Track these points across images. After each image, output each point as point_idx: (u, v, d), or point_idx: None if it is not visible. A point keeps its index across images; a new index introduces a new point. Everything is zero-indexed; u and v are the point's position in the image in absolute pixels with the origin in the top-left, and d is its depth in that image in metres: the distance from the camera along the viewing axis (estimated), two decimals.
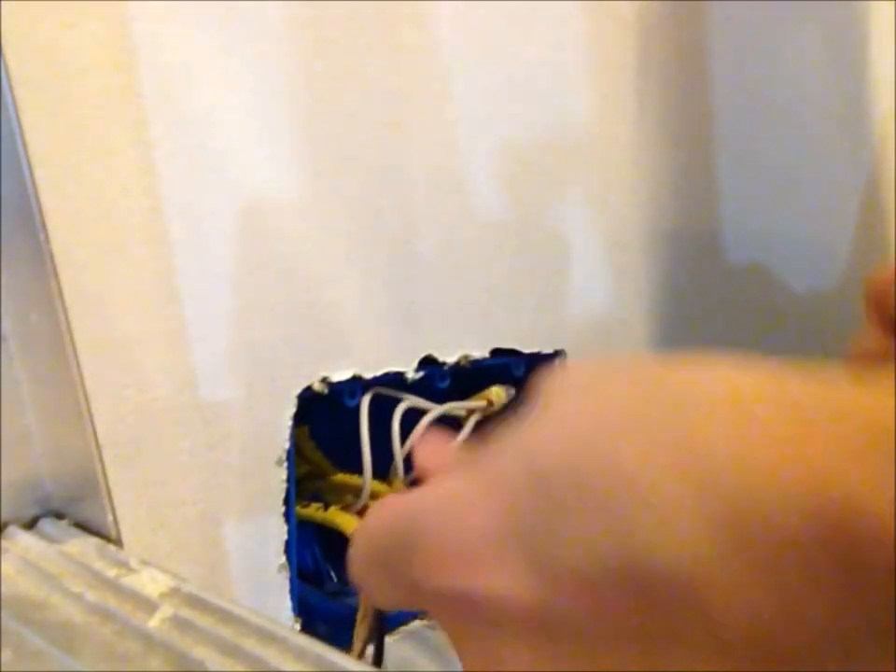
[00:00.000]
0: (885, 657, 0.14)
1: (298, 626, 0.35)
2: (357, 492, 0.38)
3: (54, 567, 0.25)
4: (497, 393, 0.39)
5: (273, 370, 0.33)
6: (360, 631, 0.34)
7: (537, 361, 0.40)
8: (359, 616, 0.35)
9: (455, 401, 0.39)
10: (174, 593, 0.24)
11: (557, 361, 0.44)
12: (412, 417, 0.38)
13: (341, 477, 0.40)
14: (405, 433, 0.37)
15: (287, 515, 0.34)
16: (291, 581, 0.34)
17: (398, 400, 0.38)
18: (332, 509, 0.38)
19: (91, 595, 0.23)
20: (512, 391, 0.41)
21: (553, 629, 0.15)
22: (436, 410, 0.38)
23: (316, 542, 0.40)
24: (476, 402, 0.39)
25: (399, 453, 0.37)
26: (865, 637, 0.14)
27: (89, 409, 0.27)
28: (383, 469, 0.38)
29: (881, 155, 0.62)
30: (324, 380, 0.34)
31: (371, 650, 0.34)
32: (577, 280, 0.42)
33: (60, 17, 0.26)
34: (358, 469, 0.37)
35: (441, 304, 0.38)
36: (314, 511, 0.38)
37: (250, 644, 0.21)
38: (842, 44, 0.57)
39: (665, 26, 0.46)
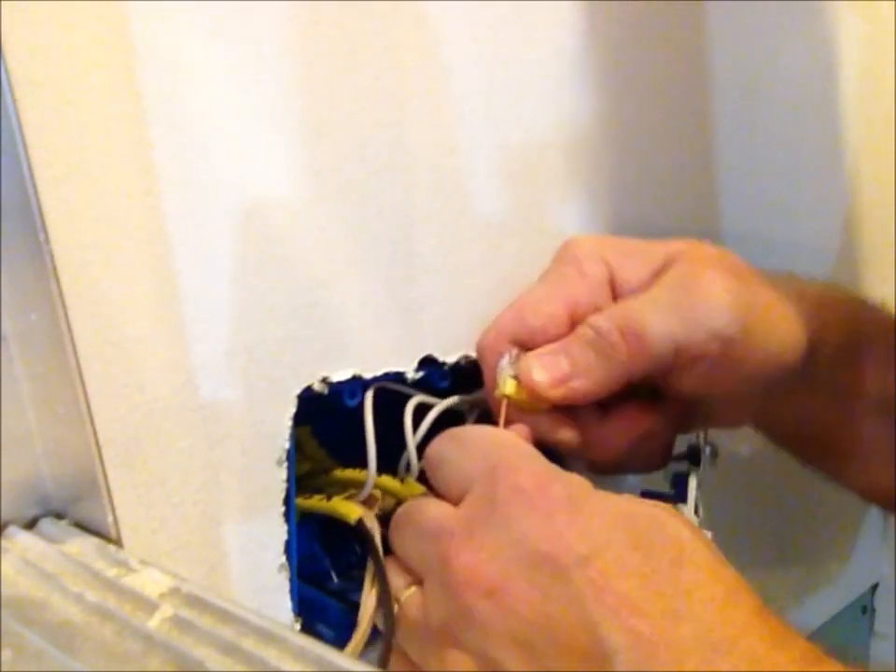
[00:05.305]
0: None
1: (298, 626, 0.35)
2: (360, 485, 0.38)
3: (54, 567, 0.25)
4: None
5: (273, 370, 0.33)
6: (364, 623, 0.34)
7: None
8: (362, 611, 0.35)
9: (458, 395, 0.40)
10: (174, 593, 0.24)
11: None
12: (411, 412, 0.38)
13: (344, 473, 0.40)
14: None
15: (287, 515, 0.34)
16: (291, 581, 0.34)
17: (400, 395, 0.38)
18: (336, 499, 0.38)
19: (91, 595, 0.23)
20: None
21: None
22: (440, 404, 0.38)
23: (317, 541, 0.40)
24: (479, 397, 0.40)
25: (412, 444, 0.37)
26: None
27: (89, 409, 0.27)
28: (387, 463, 0.38)
29: (883, 155, 0.62)
30: (324, 380, 0.34)
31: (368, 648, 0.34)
32: None
33: (60, 17, 0.26)
34: (362, 465, 0.37)
35: (441, 304, 0.38)
36: (316, 501, 0.38)
37: (250, 644, 0.21)
38: (842, 44, 0.57)
39: (666, 27, 0.46)
